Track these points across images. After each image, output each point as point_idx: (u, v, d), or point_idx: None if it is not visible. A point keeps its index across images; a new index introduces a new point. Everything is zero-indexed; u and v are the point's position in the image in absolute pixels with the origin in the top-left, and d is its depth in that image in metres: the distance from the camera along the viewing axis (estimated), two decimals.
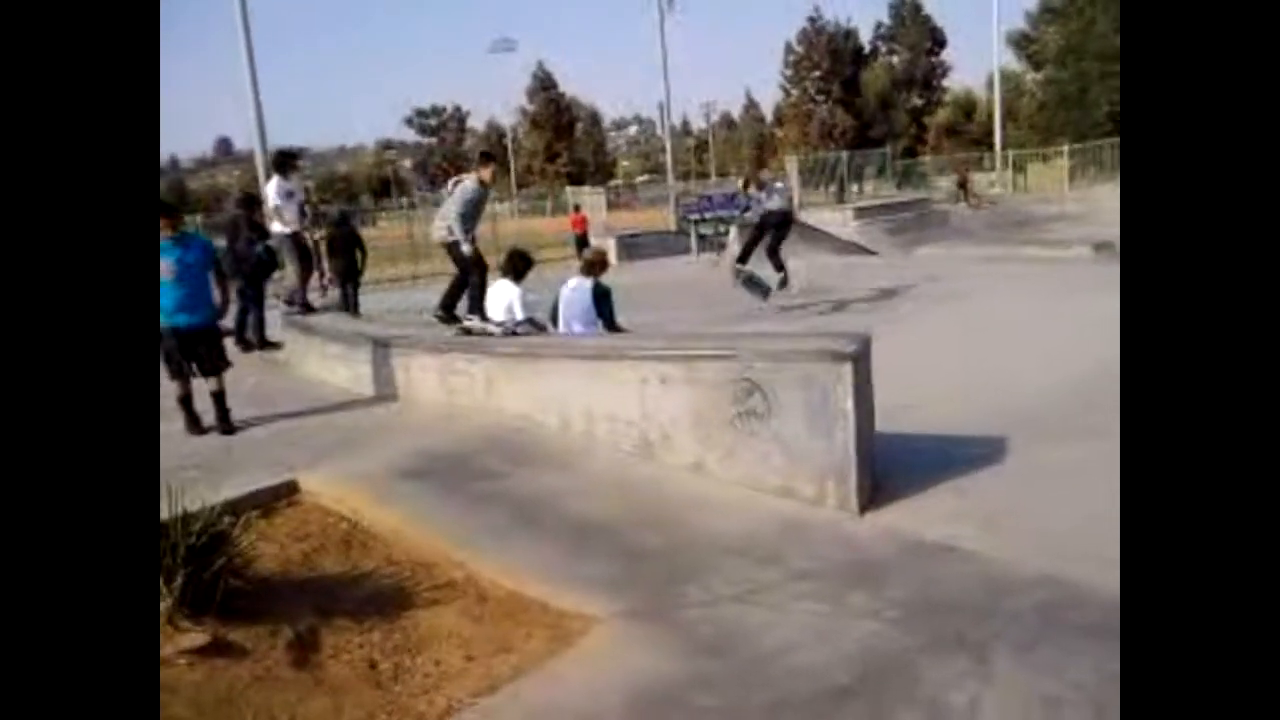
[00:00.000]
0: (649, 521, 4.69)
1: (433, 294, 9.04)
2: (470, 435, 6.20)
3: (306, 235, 10.88)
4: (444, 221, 7.17)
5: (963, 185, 27.85)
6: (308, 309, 10.18)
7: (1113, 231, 20.22)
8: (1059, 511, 4.50)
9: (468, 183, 7.14)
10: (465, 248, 6.99)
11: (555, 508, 4.94)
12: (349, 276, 11.95)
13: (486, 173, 7.25)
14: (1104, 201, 27.31)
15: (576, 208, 27.62)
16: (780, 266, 12.41)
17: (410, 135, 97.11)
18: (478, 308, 7.17)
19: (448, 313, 7.20)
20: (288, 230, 9.93)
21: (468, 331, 6.68)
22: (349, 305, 11.71)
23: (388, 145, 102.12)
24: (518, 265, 7.57)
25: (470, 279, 7.20)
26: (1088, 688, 2.96)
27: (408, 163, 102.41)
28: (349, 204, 50.05)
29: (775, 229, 12.47)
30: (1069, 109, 43.68)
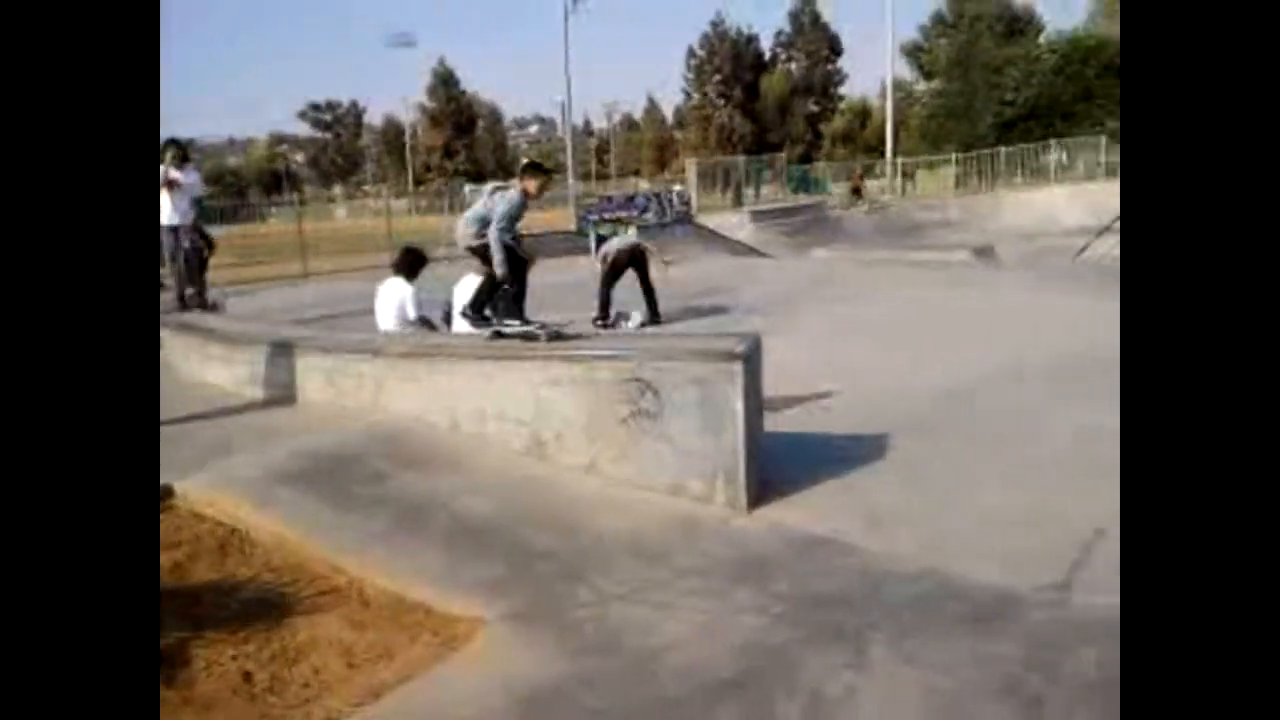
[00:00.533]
0: (540, 522, 4.66)
1: (326, 290, 8.78)
2: (358, 437, 6.04)
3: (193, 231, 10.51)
4: (473, 227, 6.90)
5: (856, 191, 28.63)
6: (205, 307, 9.81)
7: (991, 237, 21.15)
8: (941, 507, 4.66)
9: (513, 193, 6.92)
10: (499, 254, 6.74)
11: (444, 509, 4.86)
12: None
13: (532, 184, 7.01)
14: (985, 209, 28.53)
15: None
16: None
17: (305, 129, 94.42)
18: (518, 311, 6.93)
19: (478, 313, 6.93)
20: (183, 223, 9.69)
21: (500, 335, 6.35)
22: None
23: (280, 139, 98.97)
24: (411, 263, 7.43)
25: (508, 281, 6.93)
26: (956, 672, 3.08)
27: (300, 157, 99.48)
28: (238, 199, 48.29)
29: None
30: (956, 119, 45.40)
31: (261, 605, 3.97)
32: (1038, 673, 3.07)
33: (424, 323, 7.21)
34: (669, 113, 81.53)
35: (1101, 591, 3.65)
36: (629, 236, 12.59)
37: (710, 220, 23.73)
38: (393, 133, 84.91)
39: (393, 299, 7.25)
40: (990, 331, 9.83)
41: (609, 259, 11.85)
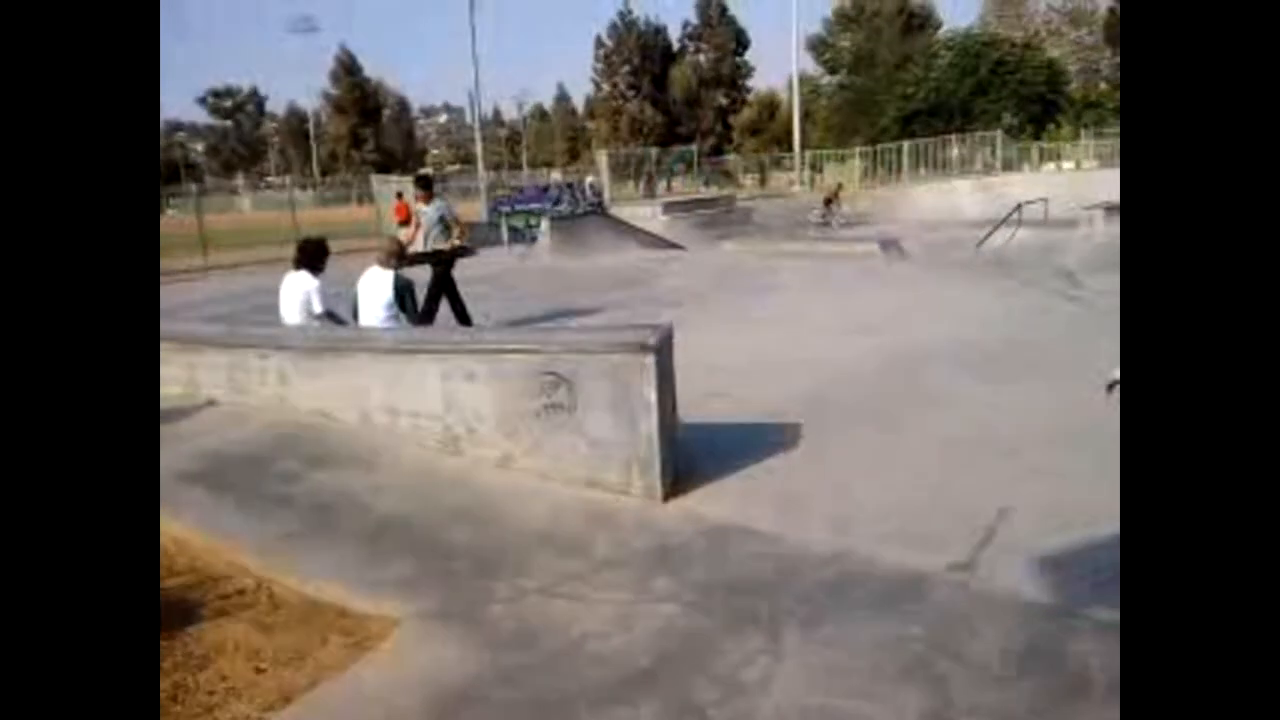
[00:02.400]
0: (454, 518, 4.60)
1: (228, 284, 8.49)
2: (263, 435, 5.87)
3: None
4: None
5: (829, 202, 25.93)
6: None
7: (897, 229, 21.72)
8: (852, 490, 4.78)
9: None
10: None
11: (355, 507, 4.76)
12: None
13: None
14: (892, 201, 29.27)
15: (399, 195, 26.69)
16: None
17: (203, 117, 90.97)
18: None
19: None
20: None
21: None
22: None
23: (177, 127, 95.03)
24: (313, 255, 7.22)
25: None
26: (866, 654, 3.17)
27: (200, 146, 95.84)
28: None
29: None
30: (860, 113, 46.50)
31: (164, 610, 3.82)
32: (944, 652, 3.18)
33: (330, 317, 7.01)
34: (580, 103, 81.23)
35: (1004, 570, 3.80)
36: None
37: (623, 212, 23.74)
38: (296, 121, 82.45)
39: (297, 293, 7.03)
40: (897, 319, 10.10)
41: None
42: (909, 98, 43.65)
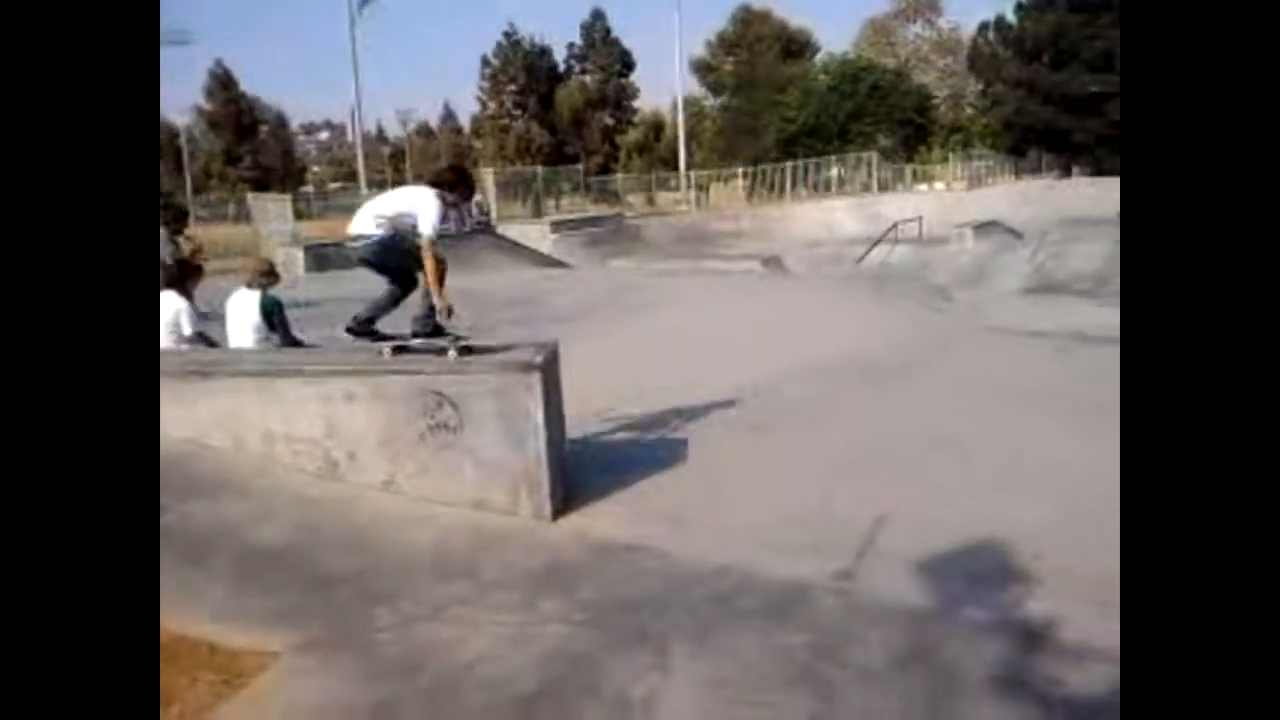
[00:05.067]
0: (337, 545, 4.45)
1: None
2: None
3: None
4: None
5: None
6: None
7: (780, 246, 22.31)
8: (737, 504, 4.85)
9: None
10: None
11: (231, 539, 4.55)
12: None
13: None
14: (774, 219, 30.04)
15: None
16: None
17: None
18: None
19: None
20: None
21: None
22: None
23: None
24: (182, 275, 6.90)
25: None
26: (753, 665, 3.21)
27: None
28: None
29: None
30: (743, 135, 47.59)
31: None
32: (828, 659, 3.25)
33: (202, 339, 6.71)
34: (466, 121, 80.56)
35: (884, 577, 3.92)
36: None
37: (511, 230, 23.63)
38: (167, 137, 79.02)
39: (166, 314, 6.71)
40: (778, 331, 10.34)
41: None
42: (790, 120, 44.95)
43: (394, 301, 5.80)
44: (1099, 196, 26.29)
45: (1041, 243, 19.66)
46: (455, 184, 5.75)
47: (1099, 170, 36.12)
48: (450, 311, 5.34)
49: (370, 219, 5.50)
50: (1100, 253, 16.49)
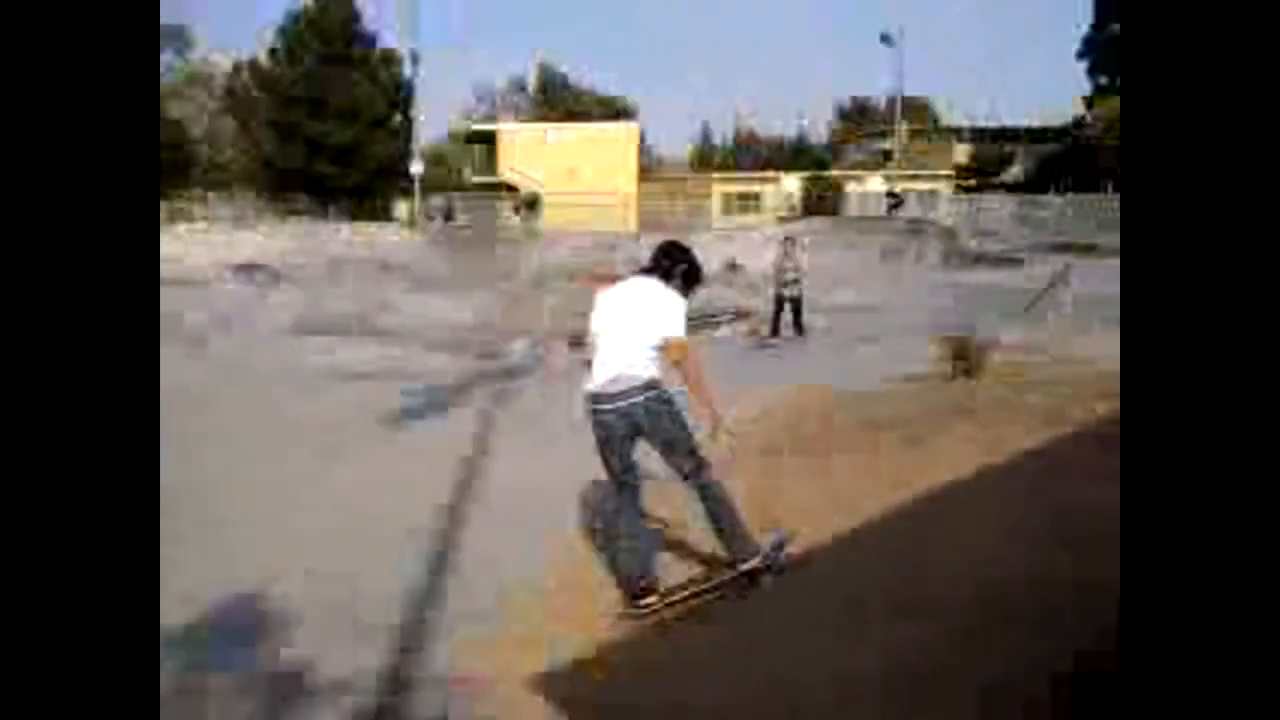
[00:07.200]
0: None
1: None
2: None
3: None
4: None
5: None
6: None
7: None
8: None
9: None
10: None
11: None
12: None
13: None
14: None
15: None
16: None
17: None
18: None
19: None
20: None
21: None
22: None
23: None
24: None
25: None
26: None
27: None
28: None
29: None
30: None
31: None
32: None
33: None
34: None
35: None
36: None
37: None
38: None
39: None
40: None
41: None
42: None
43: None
44: (357, 241, 28.64)
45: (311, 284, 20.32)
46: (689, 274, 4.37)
47: (355, 215, 38.13)
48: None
49: (630, 350, 4.08)
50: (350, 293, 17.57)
